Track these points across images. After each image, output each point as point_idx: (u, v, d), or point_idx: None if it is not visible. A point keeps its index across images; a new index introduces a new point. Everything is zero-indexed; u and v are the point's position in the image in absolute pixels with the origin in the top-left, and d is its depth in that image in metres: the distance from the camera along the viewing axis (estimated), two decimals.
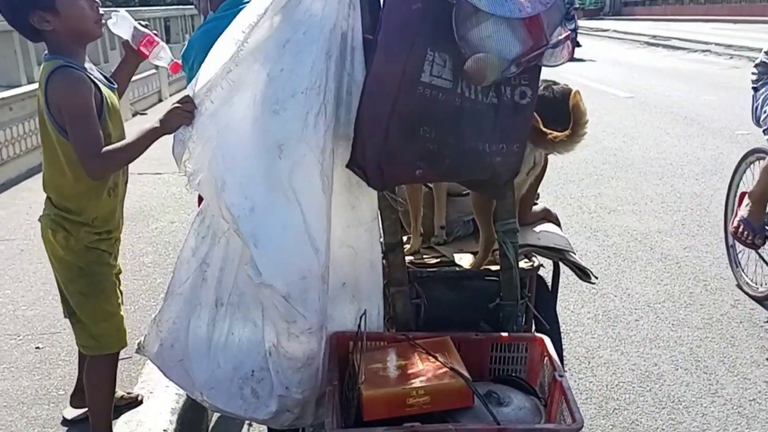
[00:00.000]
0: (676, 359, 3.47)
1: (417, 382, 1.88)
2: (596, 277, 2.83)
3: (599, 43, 25.09)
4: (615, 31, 28.86)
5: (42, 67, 2.40)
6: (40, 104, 2.42)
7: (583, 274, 2.59)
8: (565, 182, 6.51)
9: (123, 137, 2.41)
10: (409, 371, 1.94)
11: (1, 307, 3.98)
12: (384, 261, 2.21)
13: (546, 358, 2.04)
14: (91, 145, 2.24)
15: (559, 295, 3.35)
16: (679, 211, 5.70)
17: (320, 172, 1.93)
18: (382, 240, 2.20)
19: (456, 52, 1.86)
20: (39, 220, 2.56)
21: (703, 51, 19.23)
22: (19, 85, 7.41)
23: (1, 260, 4.72)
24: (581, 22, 34.87)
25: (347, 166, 1.99)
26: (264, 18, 1.91)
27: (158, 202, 6.11)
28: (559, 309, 3.45)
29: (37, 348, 3.49)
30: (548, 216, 2.76)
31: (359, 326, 1.98)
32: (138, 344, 2.35)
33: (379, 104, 1.89)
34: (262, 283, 1.89)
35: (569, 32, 1.93)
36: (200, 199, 2.33)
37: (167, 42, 13.94)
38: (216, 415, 3.06)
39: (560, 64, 1.95)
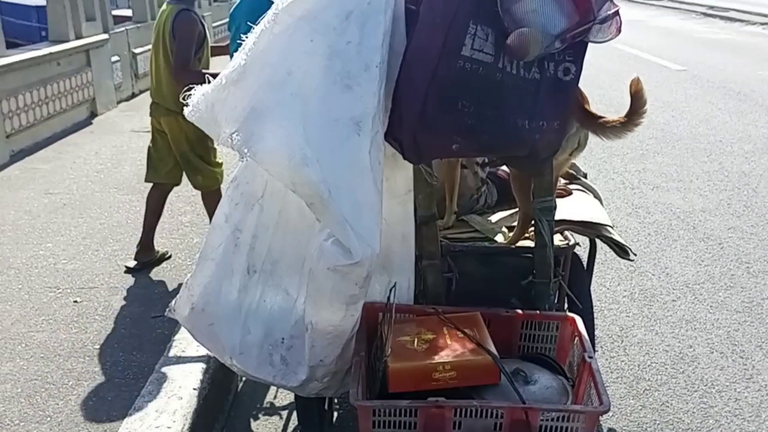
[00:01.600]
0: (712, 342, 3.40)
1: (444, 357, 1.90)
2: (635, 254, 2.79)
3: (653, 12, 24.32)
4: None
5: (167, 8, 3.75)
6: (161, 35, 3.72)
7: (621, 250, 2.55)
8: (608, 156, 6.39)
9: (208, 62, 3.86)
10: (437, 345, 1.95)
11: (42, 259, 4.05)
12: (416, 234, 2.20)
13: (576, 338, 2.04)
14: (183, 61, 3.61)
15: (595, 272, 3.30)
16: (725, 190, 5.56)
17: (385, 147, 1.92)
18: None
19: (499, 26, 1.82)
20: (152, 115, 3.92)
21: (763, 24, 18.51)
22: (67, 41, 7.50)
23: (44, 213, 4.81)
24: None
25: (384, 138, 1.96)
26: None
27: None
28: (594, 286, 3.40)
29: (75, 302, 3.55)
30: (589, 188, 2.73)
31: (389, 298, 1.98)
32: (169, 307, 2.38)
33: (418, 76, 1.86)
34: (353, 264, 1.83)
35: (618, 7, 1.88)
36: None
37: (214, 1, 13.99)
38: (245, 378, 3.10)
39: (608, 40, 1.91)
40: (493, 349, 1.91)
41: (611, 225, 2.53)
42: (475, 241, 2.41)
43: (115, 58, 8.48)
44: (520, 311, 2.18)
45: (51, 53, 7.04)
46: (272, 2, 2.00)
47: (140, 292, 3.67)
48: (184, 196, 5.05)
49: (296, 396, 2.38)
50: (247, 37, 1.99)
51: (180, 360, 2.91)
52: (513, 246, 2.35)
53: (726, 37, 16.30)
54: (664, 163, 6.29)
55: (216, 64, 3.83)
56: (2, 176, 5.68)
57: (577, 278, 2.52)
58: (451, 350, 1.93)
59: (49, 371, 2.95)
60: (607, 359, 3.24)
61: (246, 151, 1.89)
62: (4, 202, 5.04)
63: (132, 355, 3.06)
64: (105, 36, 8.22)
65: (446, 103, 1.88)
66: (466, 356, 1.90)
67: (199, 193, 4.13)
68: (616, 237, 2.52)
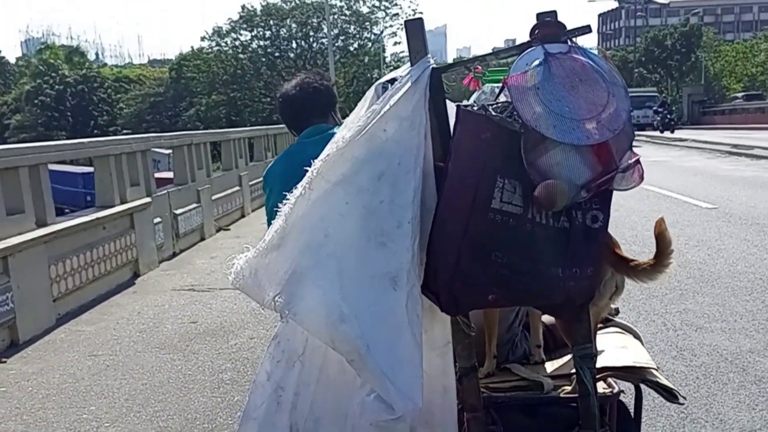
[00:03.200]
0: None
1: None
2: (684, 398, 2.71)
3: (678, 153, 24.86)
4: (694, 140, 28.53)
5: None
6: None
7: (668, 394, 2.48)
8: (647, 297, 6.30)
9: None
10: None
11: (86, 423, 4.05)
12: (458, 386, 2.19)
13: None
14: None
15: (644, 420, 3.19)
16: None
17: (422, 300, 1.98)
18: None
19: (525, 179, 1.90)
20: None
21: None
22: (113, 206, 7.87)
23: (87, 376, 4.84)
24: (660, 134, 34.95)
25: (420, 291, 2.01)
26: (345, 149, 1.99)
27: (238, 318, 6.18)
28: None
29: None
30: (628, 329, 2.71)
31: None
32: None
33: (451, 230, 1.94)
34: (395, 419, 1.85)
35: (638, 156, 1.96)
36: None
37: (251, 159, 14.67)
38: None
39: (631, 188, 1.98)
40: None
41: (656, 367, 2.49)
42: (518, 391, 2.37)
43: (157, 220, 8.85)
44: None
45: (98, 218, 7.43)
46: (305, 168, 2.11)
47: None
48: (225, 353, 5.20)
49: None
50: (283, 204, 2.10)
51: None
52: (557, 396, 2.30)
53: (753, 174, 16.47)
54: (705, 303, 6.15)
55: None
56: (48, 340, 5.79)
57: (624, 427, 2.45)
58: None
59: None
60: None
61: (287, 312, 1.97)
62: (49, 366, 5.09)
63: None
64: (148, 199, 8.63)
65: (480, 255, 1.95)
66: None
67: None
68: (662, 380, 2.47)
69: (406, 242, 1.94)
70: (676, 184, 14.55)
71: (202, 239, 10.84)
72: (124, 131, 41.32)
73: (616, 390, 2.35)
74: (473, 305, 2.14)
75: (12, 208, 6.06)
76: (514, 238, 1.95)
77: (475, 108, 2.00)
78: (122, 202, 8.06)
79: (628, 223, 9.63)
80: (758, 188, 13.63)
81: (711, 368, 4.69)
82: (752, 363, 4.75)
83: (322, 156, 2.05)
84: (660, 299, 6.30)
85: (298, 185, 2.06)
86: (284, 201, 2.09)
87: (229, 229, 11.94)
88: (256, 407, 2.23)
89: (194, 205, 10.52)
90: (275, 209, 2.14)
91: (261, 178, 11.37)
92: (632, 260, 2.29)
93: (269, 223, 2.30)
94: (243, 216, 13.39)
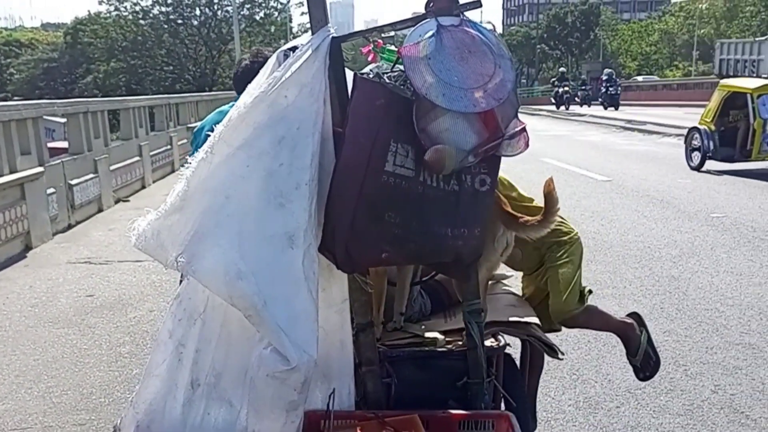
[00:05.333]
0: None
1: None
2: (563, 353, 2.92)
3: (576, 127, 25.91)
4: (592, 116, 29.84)
5: None
6: None
7: (550, 350, 2.71)
8: None
9: None
10: None
11: None
12: (354, 341, 2.33)
13: None
14: None
15: (542, 381, 3.48)
16: (657, 294, 5.77)
17: (319, 259, 2.10)
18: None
19: (417, 144, 2.04)
20: None
21: (678, 135, 19.77)
22: (1, 175, 7.66)
23: None
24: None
25: (318, 250, 2.12)
26: (247, 115, 2.09)
27: (137, 291, 6.16)
28: (539, 396, 3.57)
29: None
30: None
31: (328, 404, 2.10)
32: (114, 427, 2.45)
33: (346, 192, 2.06)
34: (290, 369, 1.96)
35: (524, 124, 2.13)
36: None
37: (151, 129, 14.38)
38: None
39: (517, 154, 2.14)
40: None
41: (539, 324, 2.71)
42: (412, 347, 2.53)
43: (50, 190, 8.61)
44: (456, 411, 2.30)
45: None
46: (207, 133, 2.22)
47: (76, 430, 3.63)
48: (123, 326, 5.18)
49: None
50: (185, 167, 2.18)
51: None
52: (446, 349, 2.48)
53: (645, 149, 17.46)
54: (597, 271, 6.49)
55: None
56: None
57: (511, 378, 2.66)
58: None
59: None
60: None
61: (188, 271, 2.07)
62: None
63: None
64: (40, 169, 8.38)
65: (374, 215, 2.08)
66: None
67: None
68: (545, 337, 2.70)
69: (304, 203, 2.05)
70: (574, 158, 15.29)
71: (100, 211, 10.62)
72: (15, 98, 39.37)
73: (502, 343, 2.54)
74: (368, 263, 2.28)
75: None
76: (406, 200, 2.09)
77: (371, 76, 2.12)
78: (12, 172, 7.83)
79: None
80: (649, 162, 14.45)
81: (601, 333, 4.82)
82: None
83: (224, 121, 2.13)
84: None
85: (200, 149, 2.14)
86: (186, 165, 2.16)
87: (128, 201, 11.75)
88: (157, 364, 2.31)
89: (91, 175, 10.27)
90: None
91: (162, 149, 11.24)
92: (521, 217, 2.49)
93: None
94: (144, 187, 13.17)
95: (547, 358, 3.05)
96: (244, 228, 2.04)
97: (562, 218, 2.84)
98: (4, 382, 4.26)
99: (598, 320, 3.32)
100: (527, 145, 2.15)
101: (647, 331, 3.30)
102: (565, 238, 2.97)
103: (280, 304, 1.99)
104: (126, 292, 6.12)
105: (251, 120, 2.09)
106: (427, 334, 2.58)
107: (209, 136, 2.22)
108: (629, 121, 24.67)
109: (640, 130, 22.51)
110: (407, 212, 2.10)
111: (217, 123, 2.73)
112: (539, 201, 2.61)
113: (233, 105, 2.99)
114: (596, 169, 13.41)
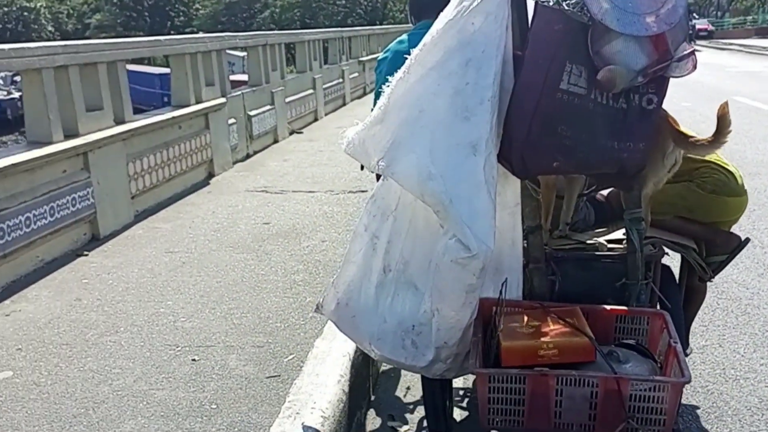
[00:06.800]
0: None
1: (547, 338, 2.50)
2: (712, 277, 3.32)
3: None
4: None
5: None
6: None
7: (702, 270, 3.17)
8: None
9: None
10: (542, 330, 2.56)
11: (163, 317, 4.47)
12: (524, 242, 2.84)
13: (665, 331, 2.59)
14: None
15: (727, 338, 3.92)
16: None
17: (497, 166, 2.60)
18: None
19: (590, 65, 2.47)
20: None
21: None
22: (188, 105, 8.52)
23: (164, 272, 5.35)
24: (754, 41, 33.26)
25: (497, 159, 2.61)
26: (439, 40, 2.59)
27: (310, 221, 6.67)
28: (727, 353, 3.95)
29: (194, 360, 3.86)
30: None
31: (501, 291, 2.61)
32: (317, 304, 3.12)
33: (524, 107, 2.54)
34: (471, 256, 2.49)
35: (693, 48, 2.50)
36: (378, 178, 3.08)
37: (325, 62, 15.17)
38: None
39: (685, 75, 2.52)
40: (590, 333, 2.49)
41: (696, 250, 3.14)
42: (576, 250, 3.00)
43: (231, 121, 9.55)
44: (614, 307, 2.76)
45: (173, 117, 8.08)
46: (405, 56, 2.75)
47: (255, 351, 3.94)
48: (297, 254, 5.65)
49: (423, 382, 3.08)
50: (386, 86, 2.72)
51: (294, 422, 3.10)
52: (606, 251, 2.94)
53: None
54: None
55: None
56: (127, 236, 6.43)
57: (667, 285, 3.09)
58: (554, 333, 2.53)
59: (169, 430, 3.21)
60: None
61: (387, 173, 2.63)
62: (128, 261, 5.67)
63: (247, 416, 3.29)
64: (223, 100, 9.29)
65: (548, 129, 2.54)
66: (567, 337, 2.50)
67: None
68: (700, 261, 3.16)
69: (486, 116, 2.53)
70: None
71: (276, 141, 11.50)
72: (200, 32, 42.22)
73: (661, 252, 2.95)
74: (540, 170, 2.77)
75: (91, 104, 6.61)
76: (577, 115, 2.53)
77: (551, 3, 2.51)
78: (197, 102, 8.71)
79: None
80: None
81: None
82: None
83: (419, 45, 2.65)
84: (747, 215, 6.14)
85: (399, 70, 2.68)
86: (387, 84, 2.71)
87: (302, 132, 12.61)
88: (355, 253, 2.95)
89: (268, 107, 11.22)
90: (380, 90, 2.78)
91: (334, 82, 12.05)
92: (692, 136, 2.82)
93: (375, 102, 2.97)
94: (316, 119, 14.10)
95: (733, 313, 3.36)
96: (435, 137, 2.55)
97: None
98: (191, 301, 4.72)
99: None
100: (695, 68, 2.51)
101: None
102: (719, 165, 3.29)
103: (463, 202, 2.49)
104: (299, 222, 6.63)
105: (442, 44, 2.58)
106: (590, 241, 3.04)
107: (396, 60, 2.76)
108: None
109: None
110: (578, 126, 2.54)
111: (398, 51, 3.30)
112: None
113: (412, 33, 3.56)
114: None
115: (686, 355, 3.46)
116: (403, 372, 3.96)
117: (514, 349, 2.49)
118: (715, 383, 3.72)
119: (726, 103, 2.75)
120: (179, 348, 4.01)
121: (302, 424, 3.06)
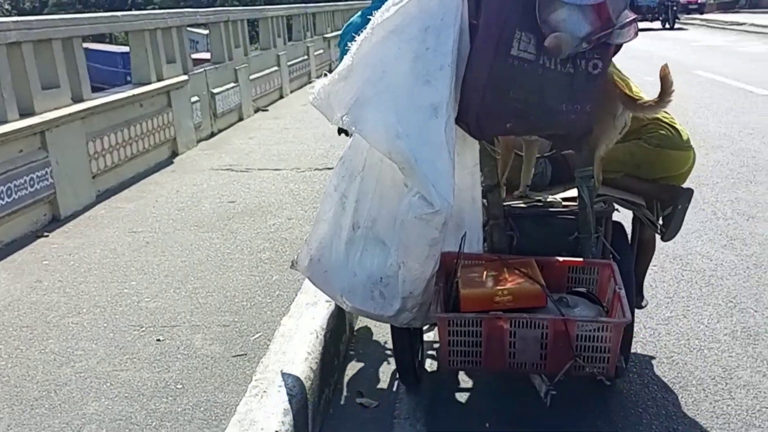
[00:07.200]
0: None
1: (503, 286, 2.85)
2: (663, 230, 3.59)
3: (735, 38, 25.09)
4: (752, 24, 28.47)
5: None
6: None
7: (653, 225, 3.50)
8: (697, 185, 6.43)
9: None
10: (498, 279, 2.92)
11: (127, 297, 4.49)
12: (484, 200, 3.17)
13: (612, 279, 2.94)
14: None
15: (691, 309, 4.18)
16: None
17: (456, 128, 2.90)
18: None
19: (539, 32, 2.77)
20: None
21: None
22: (149, 83, 8.60)
23: (128, 252, 5.38)
24: (715, 15, 33.66)
25: (455, 121, 2.91)
26: (401, 6, 2.84)
27: (276, 198, 6.77)
28: (691, 324, 4.14)
29: (158, 340, 3.89)
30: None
31: (460, 245, 2.98)
32: (292, 261, 3.46)
33: (478, 73, 2.84)
34: (435, 212, 2.78)
35: (634, 15, 2.81)
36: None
37: (289, 39, 15.16)
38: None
39: (627, 41, 2.82)
40: (542, 281, 2.85)
41: (646, 207, 3.48)
42: (533, 208, 3.33)
43: (194, 99, 9.70)
44: (566, 258, 3.12)
45: (134, 95, 8.08)
46: (368, 17, 3.03)
47: (221, 330, 3.98)
48: (263, 233, 5.72)
49: (393, 335, 3.39)
50: (352, 44, 2.99)
51: (261, 400, 3.15)
52: (561, 208, 3.29)
53: None
54: (758, 192, 6.65)
55: None
56: (89, 216, 6.46)
57: (618, 239, 3.43)
58: (509, 282, 2.88)
59: (133, 411, 3.24)
60: (711, 403, 3.44)
61: (354, 129, 2.92)
62: (90, 241, 5.69)
63: (214, 396, 3.32)
64: (185, 77, 9.42)
65: (500, 92, 2.85)
66: (521, 284, 2.86)
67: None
68: (652, 218, 3.48)
69: (446, 81, 2.82)
70: (732, 71, 15.12)
71: (240, 119, 11.67)
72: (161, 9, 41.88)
73: (610, 208, 3.30)
74: (495, 132, 3.10)
75: (47, 82, 6.57)
76: (528, 79, 2.84)
77: None
78: (158, 80, 8.82)
79: (679, 109, 10.00)
80: None
81: (762, 258, 5.15)
82: None
83: (382, 9, 2.93)
84: (711, 187, 6.83)
85: (363, 30, 2.95)
86: (353, 42, 2.98)
87: (267, 110, 12.76)
88: (325, 212, 3.28)
89: (232, 84, 11.39)
90: (346, 48, 3.04)
91: (299, 59, 12.07)
92: (639, 98, 3.14)
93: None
94: (281, 97, 14.27)
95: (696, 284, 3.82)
96: (398, 99, 2.84)
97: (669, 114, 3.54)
98: (155, 281, 4.76)
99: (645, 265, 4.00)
100: (636, 34, 2.82)
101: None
102: (665, 122, 3.60)
103: (426, 161, 2.79)
104: (265, 200, 6.71)
105: (403, 10, 2.87)
106: (547, 199, 3.38)
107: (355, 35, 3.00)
108: None
109: None
110: (528, 90, 2.85)
111: (358, 24, 3.53)
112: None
113: (373, 6, 3.77)
114: (757, 82, 13.28)
115: (641, 307, 3.92)
116: (372, 349, 4.13)
117: (471, 296, 2.84)
118: (680, 354, 3.90)
119: (666, 65, 3.03)
120: (143, 328, 4.06)
121: (269, 402, 3.13)
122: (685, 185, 3.66)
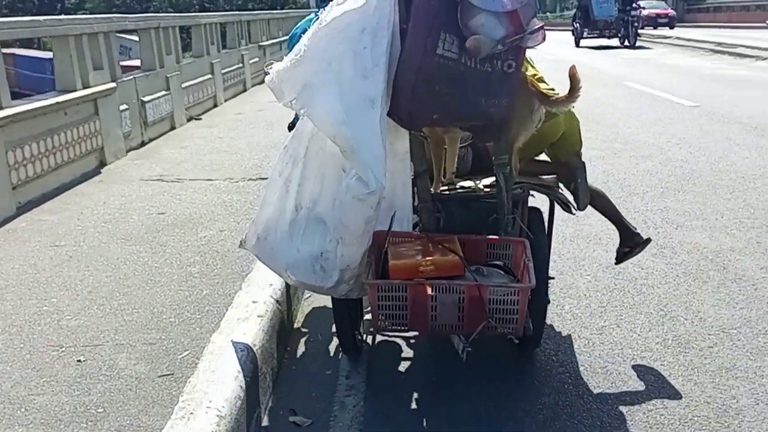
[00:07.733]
0: (756, 392, 3.63)
1: (426, 257, 3.36)
2: (576, 208, 4.11)
3: (662, 50, 26.40)
4: (678, 38, 30.00)
5: None
6: None
7: (565, 205, 3.99)
8: (628, 195, 7.19)
9: None
10: (423, 252, 3.43)
11: (46, 316, 4.38)
12: (413, 184, 3.70)
13: (524, 255, 3.47)
14: None
15: (623, 317, 4.46)
16: (753, 227, 6.11)
17: (389, 120, 3.41)
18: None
19: (461, 34, 3.26)
20: None
21: None
22: (74, 90, 8.61)
23: (49, 267, 5.25)
24: (647, 30, 34.78)
25: (388, 114, 3.40)
26: (344, 9, 3.26)
27: (208, 210, 6.76)
28: (624, 333, 4.32)
29: (79, 361, 3.79)
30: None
31: (390, 225, 3.51)
32: (240, 241, 3.88)
33: (409, 70, 3.30)
34: (370, 192, 3.21)
35: (542, 23, 3.32)
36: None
37: (223, 47, 14.98)
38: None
39: (537, 45, 3.31)
40: (461, 254, 3.40)
41: (560, 189, 4.10)
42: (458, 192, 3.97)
43: (123, 107, 9.82)
44: (484, 236, 3.67)
45: (58, 102, 8.06)
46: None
47: (146, 349, 3.90)
48: (194, 245, 5.67)
49: (334, 308, 3.86)
50: (304, 36, 3.43)
51: (188, 423, 3.08)
52: (482, 193, 3.86)
53: (737, 73, 18.00)
54: (686, 201, 6.93)
55: None
56: (8, 229, 6.31)
57: (534, 222, 3.96)
58: (433, 254, 3.40)
59: None
60: (644, 413, 3.52)
61: (303, 112, 3.39)
62: (9, 256, 5.54)
63: (137, 419, 3.25)
64: (113, 84, 9.57)
65: (428, 87, 3.32)
66: (442, 256, 3.37)
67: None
68: (563, 197, 4.01)
69: (381, 77, 3.29)
70: (659, 82, 15.92)
71: (173, 128, 11.80)
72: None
73: (525, 194, 3.87)
74: (424, 123, 3.59)
75: None
76: (452, 76, 3.33)
77: None
78: (84, 87, 8.91)
79: (610, 120, 11.03)
80: (741, 87, 15.01)
81: (691, 266, 5.34)
82: (732, 261, 5.40)
83: (327, 9, 3.39)
84: (641, 197, 7.20)
85: (314, 25, 3.41)
86: (305, 35, 3.44)
87: (201, 119, 12.92)
88: (270, 195, 3.73)
89: (163, 92, 11.59)
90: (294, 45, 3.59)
91: (234, 67, 11.86)
92: (552, 95, 3.64)
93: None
94: (216, 105, 14.50)
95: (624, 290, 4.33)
96: (342, 89, 3.27)
97: None
98: (77, 297, 4.64)
99: (611, 210, 4.53)
100: (544, 39, 3.32)
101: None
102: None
103: (364, 147, 3.23)
104: (197, 211, 6.70)
105: (345, 14, 3.28)
106: (471, 185, 3.94)
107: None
108: (719, 44, 25.26)
109: (731, 53, 22.87)
110: (452, 85, 3.33)
111: (305, 30, 4.00)
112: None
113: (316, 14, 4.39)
114: (683, 94, 13.97)
115: (647, 241, 4.58)
116: (305, 364, 4.22)
117: (399, 266, 3.34)
118: (614, 363, 4.04)
119: (574, 66, 3.57)
120: (63, 348, 3.95)
121: (196, 425, 3.09)
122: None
